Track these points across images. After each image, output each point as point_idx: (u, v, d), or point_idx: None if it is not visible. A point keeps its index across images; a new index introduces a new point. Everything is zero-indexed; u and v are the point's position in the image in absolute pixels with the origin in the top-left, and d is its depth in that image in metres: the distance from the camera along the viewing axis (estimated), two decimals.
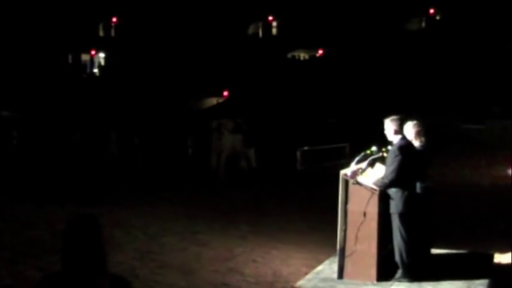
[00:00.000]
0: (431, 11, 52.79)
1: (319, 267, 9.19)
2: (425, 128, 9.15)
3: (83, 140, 23.16)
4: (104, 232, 3.83)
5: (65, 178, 17.84)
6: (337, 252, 8.61)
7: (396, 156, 8.27)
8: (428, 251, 9.36)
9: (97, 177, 18.36)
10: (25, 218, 12.69)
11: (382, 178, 8.35)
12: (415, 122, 9.07)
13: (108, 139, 23.52)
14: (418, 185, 8.78)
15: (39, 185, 16.58)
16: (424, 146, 8.99)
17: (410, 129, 8.96)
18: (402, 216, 8.27)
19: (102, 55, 53.85)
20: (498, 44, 40.61)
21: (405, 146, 8.44)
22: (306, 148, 22.42)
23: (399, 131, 8.48)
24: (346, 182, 8.44)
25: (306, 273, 9.09)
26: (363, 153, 8.69)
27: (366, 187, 8.35)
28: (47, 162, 20.19)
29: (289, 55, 52.09)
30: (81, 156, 21.18)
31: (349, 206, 8.43)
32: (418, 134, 8.99)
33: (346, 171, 8.49)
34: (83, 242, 3.65)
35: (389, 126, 8.51)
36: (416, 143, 8.95)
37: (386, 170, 8.35)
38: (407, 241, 8.29)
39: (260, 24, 57.23)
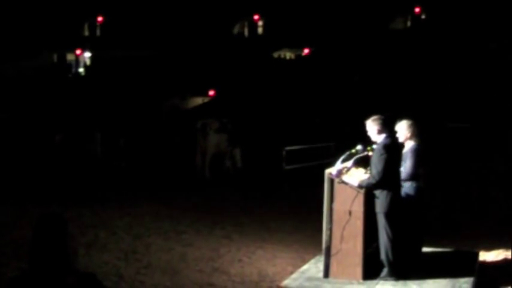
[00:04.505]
0: (417, 9, 52.92)
1: (305, 267, 9.18)
2: (420, 127, 9.15)
3: (67, 140, 23.02)
4: (88, 232, 3.85)
5: (48, 178, 17.74)
6: (323, 251, 8.60)
7: (382, 155, 8.27)
8: (419, 250, 9.35)
9: (81, 177, 18.27)
10: (9, 219, 12.61)
11: (369, 178, 8.35)
12: (410, 120, 9.06)
13: (92, 139, 23.39)
14: (412, 184, 8.80)
15: (23, 186, 16.48)
16: (419, 145, 8.98)
17: (405, 128, 8.95)
18: (388, 215, 8.27)
19: (87, 54, 53.63)
20: (481, 43, 40.82)
21: (390, 145, 8.44)
22: (291, 147, 22.41)
23: (382, 130, 8.47)
24: (332, 181, 8.43)
25: (292, 273, 9.08)
26: (348, 152, 8.68)
27: (351, 186, 8.34)
28: (31, 163, 20.08)
29: (275, 54, 52.09)
30: (64, 157, 21.06)
31: (335, 205, 8.42)
32: (414, 133, 8.98)
33: (331, 171, 8.48)
34: (50, 241, 3.66)
35: (371, 126, 8.51)
36: (411, 142, 8.94)
37: (372, 170, 8.34)
38: (393, 240, 8.29)
39: (246, 23, 57.16)
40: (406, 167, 8.75)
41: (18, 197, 14.90)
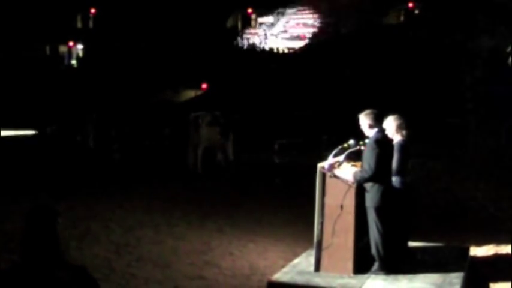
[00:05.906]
0: (410, 4, 52.92)
1: (296, 260, 9.18)
2: (407, 121, 9.14)
3: (59, 131, 22.98)
4: (79, 225, 3.84)
5: (40, 170, 17.70)
6: (314, 245, 8.61)
7: (373, 149, 8.27)
8: (406, 244, 9.37)
9: (73, 169, 18.23)
10: (0, 211, 12.57)
11: (361, 172, 8.35)
12: (396, 115, 9.05)
13: (84, 131, 23.36)
14: (398, 179, 8.79)
15: (15, 178, 16.44)
16: (406, 140, 8.98)
17: (391, 123, 8.95)
18: (378, 209, 8.28)
19: (80, 46, 53.50)
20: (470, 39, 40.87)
21: (382, 139, 8.44)
22: (283, 141, 22.44)
23: (374, 124, 8.46)
24: (323, 175, 8.44)
25: (283, 266, 9.08)
26: (340, 147, 8.68)
27: (342, 180, 8.35)
28: (23, 155, 20.03)
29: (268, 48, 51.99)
30: (56, 149, 21.02)
31: (326, 199, 8.42)
32: (400, 128, 8.98)
33: (323, 164, 8.48)
34: (41, 233, 3.65)
35: (363, 120, 8.51)
36: (398, 137, 8.94)
37: (364, 164, 8.34)
38: (383, 234, 8.30)
39: (239, 16, 57.07)
40: (392, 162, 8.74)
41: (9, 189, 14.86)
